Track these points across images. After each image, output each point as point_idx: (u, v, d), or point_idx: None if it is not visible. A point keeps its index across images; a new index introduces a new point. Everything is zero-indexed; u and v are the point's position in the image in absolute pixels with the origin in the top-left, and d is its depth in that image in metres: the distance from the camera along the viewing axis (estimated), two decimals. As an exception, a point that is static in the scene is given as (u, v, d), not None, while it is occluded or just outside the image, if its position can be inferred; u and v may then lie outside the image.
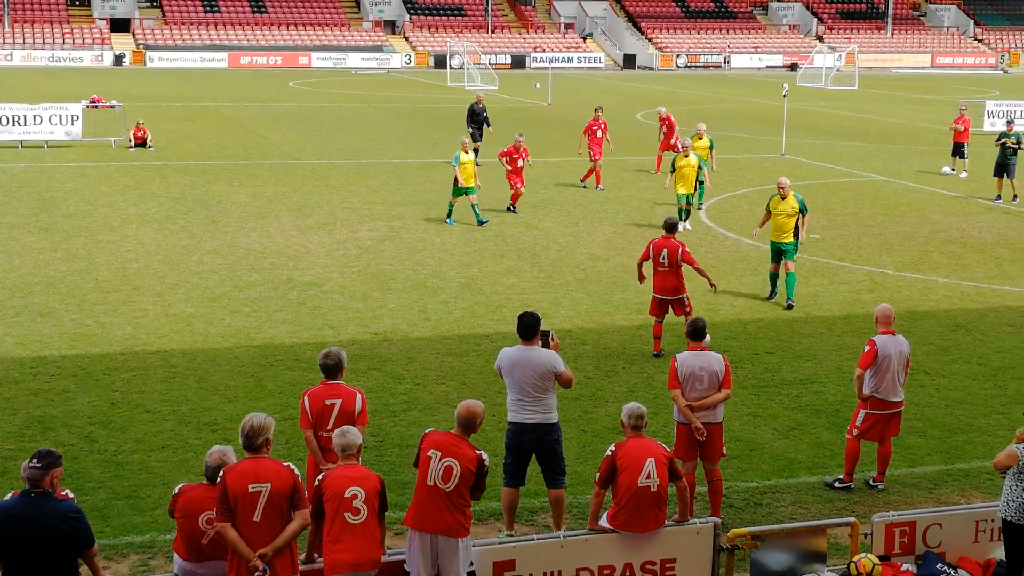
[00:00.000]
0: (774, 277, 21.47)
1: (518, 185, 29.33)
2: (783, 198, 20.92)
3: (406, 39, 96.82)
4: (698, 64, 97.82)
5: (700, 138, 30.34)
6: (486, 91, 67.81)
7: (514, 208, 29.55)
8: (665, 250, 18.01)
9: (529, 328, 11.70)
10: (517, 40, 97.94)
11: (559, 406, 12.11)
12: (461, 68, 76.56)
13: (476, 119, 38.12)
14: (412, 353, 18.09)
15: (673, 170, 27.52)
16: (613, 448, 10.70)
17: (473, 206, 27.88)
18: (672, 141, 36.08)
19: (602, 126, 34.36)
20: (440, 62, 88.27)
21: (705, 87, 76.30)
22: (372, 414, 13.57)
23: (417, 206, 30.55)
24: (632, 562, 10.61)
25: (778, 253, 21.15)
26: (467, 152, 27.99)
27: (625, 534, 10.58)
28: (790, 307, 20.88)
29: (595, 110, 35.31)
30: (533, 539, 10.65)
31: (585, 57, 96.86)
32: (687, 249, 18.27)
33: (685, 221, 27.15)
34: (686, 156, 27.30)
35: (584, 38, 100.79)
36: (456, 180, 27.64)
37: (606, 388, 16.68)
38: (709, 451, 12.42)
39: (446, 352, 18.18)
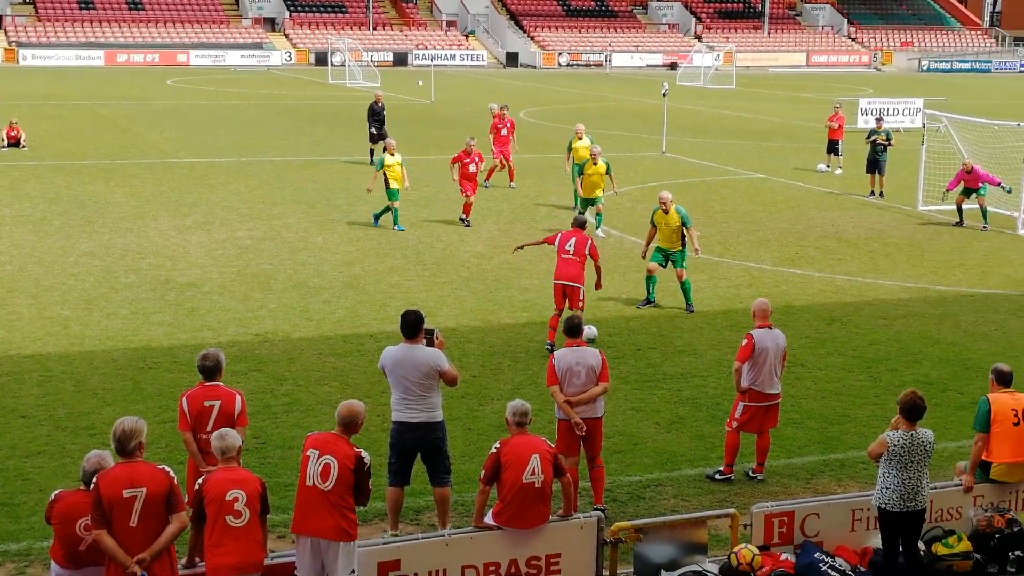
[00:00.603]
0: (651, 281, 21.06)
1: (469, 194, 27.87)
2: (666, 212, 20.63)
3: (286, 36, 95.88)
4: (580, 63, 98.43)
5: (580, 138, 30.30)
6: (368, 88, 67.52)
7: (466, 221, 28.04)
8: (574, 239, 18.24)
9: (412, 326, 11.66)
10: (399, 37, 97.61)
11: (444, 404, 12.10)
12: (342, 65, 76.04)
13: (377, 118, 37.53)
14: (294, 354, 17.93)
15: (581, 175, 26.71)
16: (498, 445, 10.73)
17: (388, 209, 27.34)
18: (512, 136, 35.90)
19: (507, 125, 34.28)
20: (321, 59, 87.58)
21: (587, 85, 76.85)
22: (253, 416, 13.46)
23: (298, 205, 30.28)
24: (517, 558, 10.65)
25: (665, 258, 20.94)
26: (393, 154, 27.17)
27: (510, 531, 10.61)
28: (691, 311, 20.84)
29: (500, 108, 35.14)
30: (418, 538, 10.62)
31: (468, 55, 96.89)
32: (595, 245, 18.43)
33: (597, 228, 26.38)
34: (595, 164, 26.41)
35: (466, 36, 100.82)
36: (387, 183, 26.95)
37: (492, 386, 16.71)
38: (590, 445, 12.57)
39: (329, 352, 18.05)
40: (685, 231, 20.85)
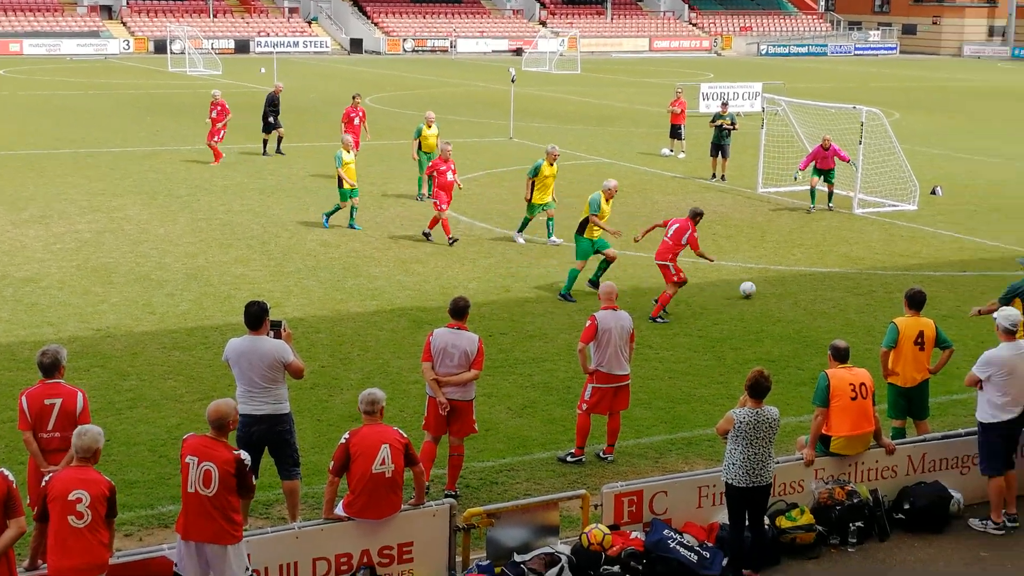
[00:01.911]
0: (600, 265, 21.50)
1: (443, 206, 24.72)
2: (608, 200, 21.09)
3: (124, 24, 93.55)
4: (425, 48, 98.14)
5: (429, 126, 30.14)
6: (209, 76, 66.32)
7: (429, 235, 25.13)
8: (676, 225, 19.97)
9: (255, 317, 11.49)
10: (240, 24, 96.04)
11: (293, 396, 11.98)
12: (182, 53, 74.58)
13: (276, 108, 36.76)
14: (137, 348, 17.54)
15: (535, 175, 24.40)
16: (347, 436, 10.69)
17: (353, 208, 26.27)
18: (221, 124, 34.97)
19: (360, 114, 33.89)
20: (160, 47, 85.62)
21: (433, 71, 76.70)
22: (96, 412, 13.14)
23: (139, 196, 29.61)
24: (369, 548, 10.62)
25: (594, 248, 21.23)
26: (349, 151, 26.09)
27: (361, 521, 10.57)
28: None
29: (353, 97, 34.66)
30: (267, 532, 10.50)
31: (311, 41, 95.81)
32: (695, 238, 19.89)
33: (520, 231, 25.26)
34: (551, 164, 24.55)
35: (309, 22, 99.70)
36: (341, 181, 25.83)
37: (341, 376, 16.59)
38: (458, 426, 12.71)
39: (172, 346, 17.70)
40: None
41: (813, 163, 29.49)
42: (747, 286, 21.46)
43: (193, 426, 13.63)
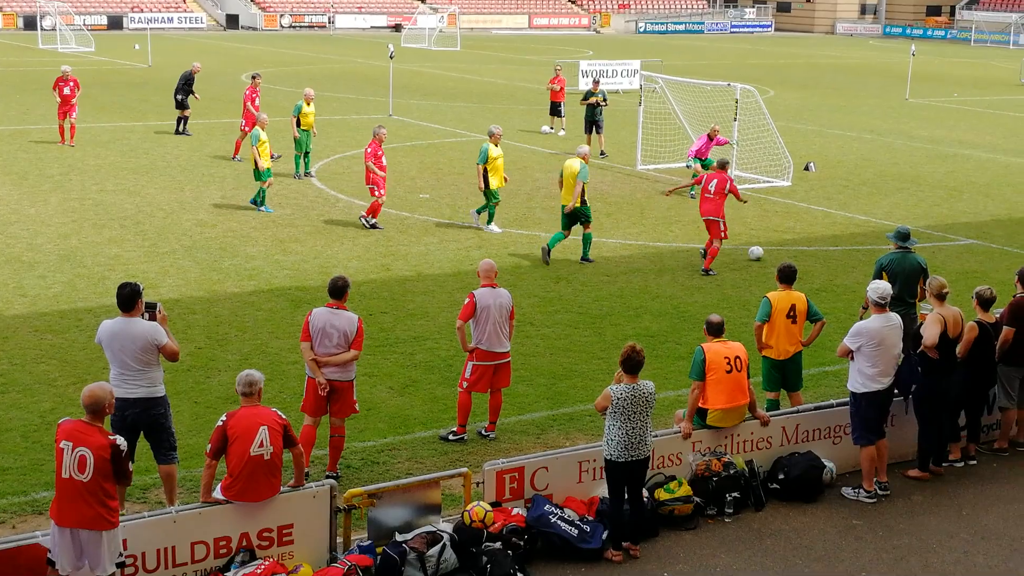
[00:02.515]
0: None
1: (381, 192, 24.21)
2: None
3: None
4: (303, 24, 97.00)
5: (308, 103, 29.81)
6: (81, 53, 64.81)
7: (374, 223, 24.36)
8: (716, 180, 21.34)
9: (127, 299, 11.28)
10: (113, 0, 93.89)
11: (170, 378, 11.81)
12: (53, 30, 72.72)
13: (190, 88, 35.92)
14: (7, 332, 17.11)
15: (485, 161, 23.78)
16: (224, 418, 10.57)
17: (263, 190, 25.64)
18: (74, 102, 33.67)
19: (259, 95, 33.37)
20: (30, 23, 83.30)
21: (311, 47, 75.89)
22: (-36, 399, 12.81)
23: (8, 176, 28.84)
24: (249, 531, 10.52)
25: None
26: (264, 131, 25.52)
27: (240, 504, 10.46)
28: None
29: (252, 77, 34.05)
30: (144, 516, 10.35)
31: (186, 17, 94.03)
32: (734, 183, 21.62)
33: (490, 223, 24.62)
34: (497, 145, 23.88)
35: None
36: (256, 162, 25.15)
37: (218, 357, 16.38)
38: (339, 407, 12.66)
39: (45, 329, 17.30)
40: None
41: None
42: (756, 250, 22.86)
43: (67, 411, 13.36)
